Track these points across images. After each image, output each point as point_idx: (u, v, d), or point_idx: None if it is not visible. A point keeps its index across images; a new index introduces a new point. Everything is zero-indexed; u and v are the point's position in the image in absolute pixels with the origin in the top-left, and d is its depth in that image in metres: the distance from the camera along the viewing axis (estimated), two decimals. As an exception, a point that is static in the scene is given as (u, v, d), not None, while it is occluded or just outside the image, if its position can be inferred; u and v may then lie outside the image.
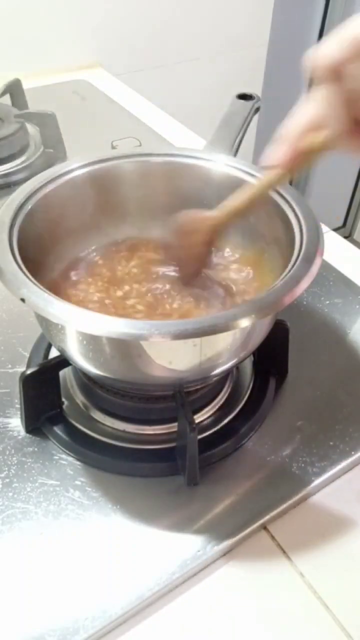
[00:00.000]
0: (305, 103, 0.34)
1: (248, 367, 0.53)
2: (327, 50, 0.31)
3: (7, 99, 0.90)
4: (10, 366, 0.53)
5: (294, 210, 0.44)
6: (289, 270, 0.39)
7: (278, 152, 0.35)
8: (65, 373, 0.51)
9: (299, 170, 0.37)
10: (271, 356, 0.52)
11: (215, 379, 0.48)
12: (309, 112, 0.34)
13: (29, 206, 0.44)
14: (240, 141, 0.56)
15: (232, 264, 0.51)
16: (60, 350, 0.44)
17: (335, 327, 0.59)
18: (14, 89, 0.90)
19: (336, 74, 0.31)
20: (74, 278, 0.49)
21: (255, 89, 1.28)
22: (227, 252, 0.52)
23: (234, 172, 0.49)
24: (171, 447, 0.46)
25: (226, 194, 0.50)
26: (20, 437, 0.47)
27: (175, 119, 0.98)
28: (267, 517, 0.43)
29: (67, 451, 0.46)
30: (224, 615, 0.39)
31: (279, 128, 0.35)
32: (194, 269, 0.47)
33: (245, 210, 0.42)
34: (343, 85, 0.31)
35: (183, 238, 0.46)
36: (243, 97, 0.60)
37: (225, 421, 0.49)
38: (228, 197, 0.43)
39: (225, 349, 0.41)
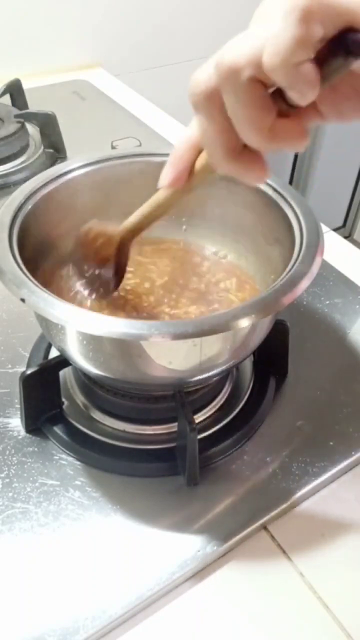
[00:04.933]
0: (192, 125, 0.33)
1: (248, 367, 0.53)
2: (202, 76, 0.28)
3: (7, 99, 0.90)
4: (10, 366, 0.53)
5: (294, 210, 0.44)
6: (289, 270, 0.39)
7: (167, 175, 0.35)
8: (65, 373, 0.51)
9: (193, 188, 0.36)
10: (271, 356, 0.52)
11: (215, 379, 0.48)
12: (193, 135, 0.33)
13: (29, 206, 0.45)
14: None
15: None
16: (60, 350, 0.44)
17: (335, 327, 0.59)
18: (14, 89, 0.90)
19: (213, 100, 0.28)
20: (74, 278, 0.49)
21: (255, 89, 1.28)
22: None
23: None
24: (171, 447, 0.46)
25: (225, 193, 0.50)
26: (20, 437, 0.47)
27: (175, 119, 0.98)
28: (267, 517, 0.43)
29: (67, 451, 0.46)
30: (224, 615, 0.39)
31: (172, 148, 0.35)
32: (112, 274, 0.46)
33: (146, 225, 0.42)
34: (222, 111, 0.27)
35: (92, 252, 0.45)
36: (243, 97, 0.60)
37: (225, 421, 0.49)
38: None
39: (226, 349, 0.41)
